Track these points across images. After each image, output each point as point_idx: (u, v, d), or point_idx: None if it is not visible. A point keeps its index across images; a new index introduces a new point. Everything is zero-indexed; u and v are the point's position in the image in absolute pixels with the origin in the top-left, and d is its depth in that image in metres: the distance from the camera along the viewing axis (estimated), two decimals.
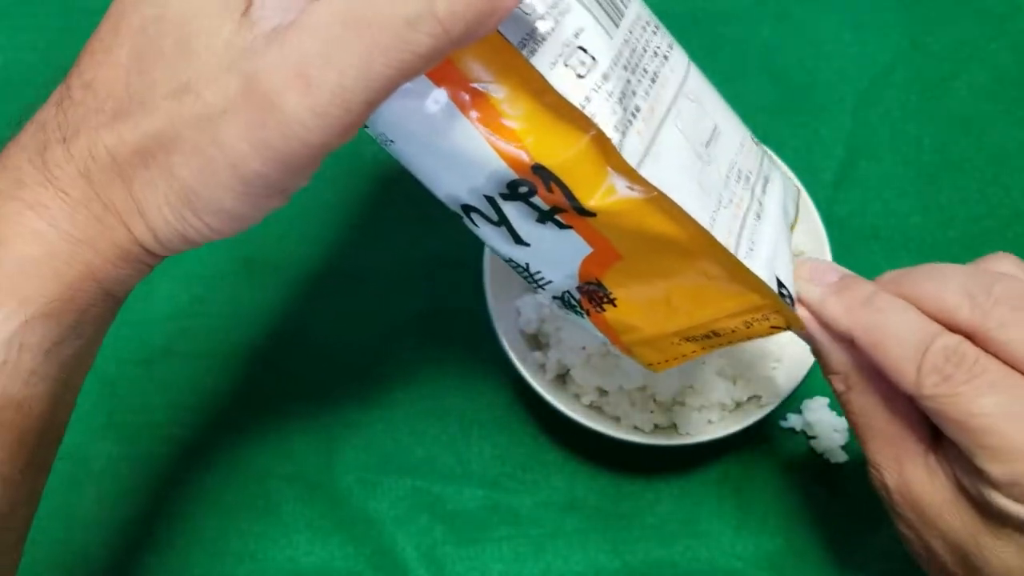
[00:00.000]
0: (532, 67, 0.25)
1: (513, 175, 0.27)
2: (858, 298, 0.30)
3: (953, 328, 0.29)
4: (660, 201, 0.27)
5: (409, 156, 0.29)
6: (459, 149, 0.27)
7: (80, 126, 0.25)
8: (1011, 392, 0.27)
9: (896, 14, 0.51)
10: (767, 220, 0.31)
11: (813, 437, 0.44)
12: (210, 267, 0.46)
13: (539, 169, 0.26)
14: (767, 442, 0.44)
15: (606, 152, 0.26)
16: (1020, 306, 0.28)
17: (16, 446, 0.26)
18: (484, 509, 0.43)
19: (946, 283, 0.29)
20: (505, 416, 0.45)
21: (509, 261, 0.32)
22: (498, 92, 0.26)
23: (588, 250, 0.29)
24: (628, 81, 0.27)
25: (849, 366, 0.31)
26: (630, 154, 0.26)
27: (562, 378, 0.42)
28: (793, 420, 0.44)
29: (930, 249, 0.47)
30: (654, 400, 0.41)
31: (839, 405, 0.32)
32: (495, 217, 0.29)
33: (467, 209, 0.30)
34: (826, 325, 0.31)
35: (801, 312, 0.31)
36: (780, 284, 0.30)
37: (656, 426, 0.41)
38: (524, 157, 0.26)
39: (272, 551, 0.42)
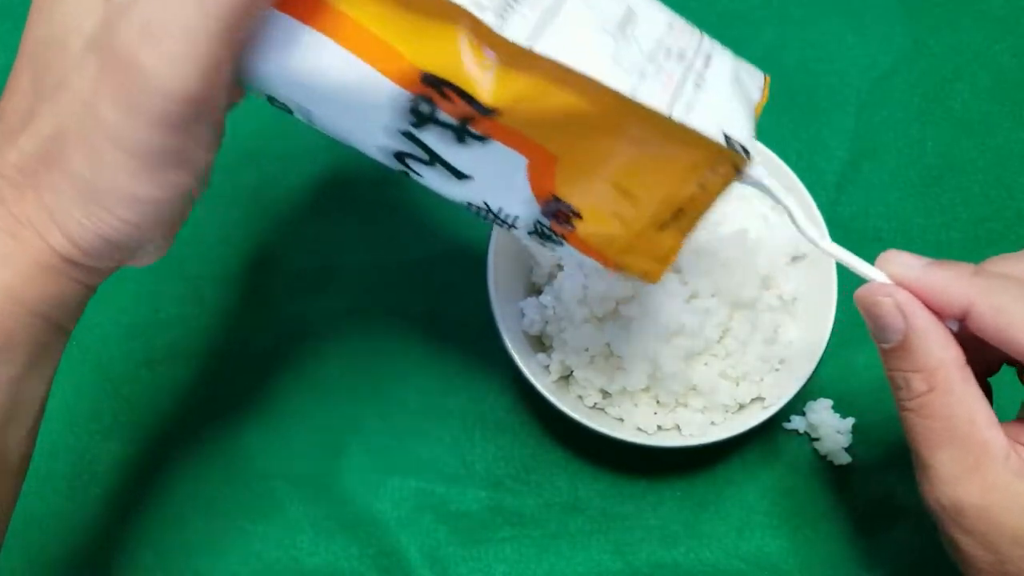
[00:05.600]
0: None
1: (408, 93, 0.27)
2: (967, 269, 0.29)
3: None
4: (558, 74, 0.26)
5: (327, 118, 0.29)
6: (352, 84, 0.27)
7: None
8: None
9: (899, 16, 0.51)
10: (709, 90, 0.30)
11: (816, 439, 0.44)
12: (215, 269, 0.46)
13: (429, 78, 0.26)
14: (770, 444, 0.44)
15: (487, 38, 0.26)
16: None
17: None
18: (487, 510, 0.43)
19: (1018, 259, 0.30)
20: (508, 417, 0.45)
21: (469, 207, 0.32)
22: (364, 10, 0.26)
23: (523, 160, 0.29)
24: None
25: (940, 359, 0.29)
26: (516, 36, 0.26)
27: (565, 379, 0.42)
28: (796, 422, 0.44)
29: (933, 251, 0.47)
30: (657, 401, 0.41)
31: (903, 417, 0.30)
32: (425, 156, 0.29)
33: (401, 157, 0.30)
34: (928, 301, 0.29)
35: (900, 296, 0.29)
36: (728, 139, 0.28)
37: (659, 427, 0.41)
38: (409, 68, 0.26)
39: (276, 552, 0.42)
